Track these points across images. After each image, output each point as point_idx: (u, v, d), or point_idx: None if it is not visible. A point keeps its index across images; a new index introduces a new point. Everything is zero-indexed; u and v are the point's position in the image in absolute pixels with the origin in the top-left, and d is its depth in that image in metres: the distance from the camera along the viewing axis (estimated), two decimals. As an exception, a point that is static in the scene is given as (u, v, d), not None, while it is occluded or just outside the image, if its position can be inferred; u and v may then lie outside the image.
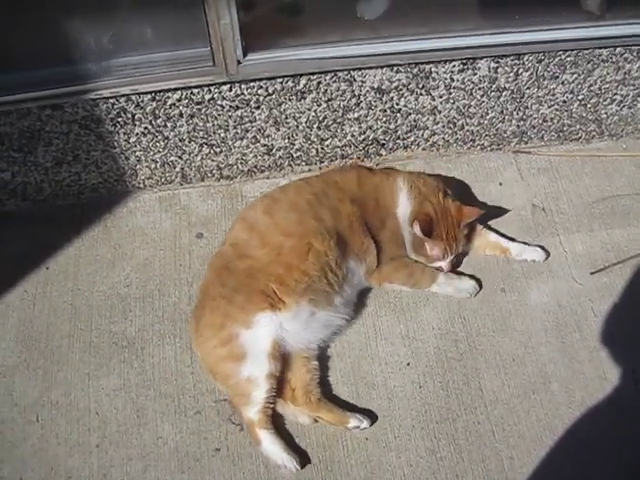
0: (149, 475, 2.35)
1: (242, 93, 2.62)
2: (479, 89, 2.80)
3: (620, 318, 2.65)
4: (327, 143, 2.91)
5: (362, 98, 2.74)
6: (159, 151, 2.80)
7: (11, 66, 2.51)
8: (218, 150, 2.83)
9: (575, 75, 2.82)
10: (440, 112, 2.87)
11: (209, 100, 2.62)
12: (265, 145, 2.85)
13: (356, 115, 2.81)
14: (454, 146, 3.06)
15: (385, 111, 2.81)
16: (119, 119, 2.63)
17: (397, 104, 2.79)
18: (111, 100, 2.56)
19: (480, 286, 2.69)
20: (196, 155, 2.84)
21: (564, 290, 2.71)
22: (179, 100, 2.60)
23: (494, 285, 2.73)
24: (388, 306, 2.67)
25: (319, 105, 2.73)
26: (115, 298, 2.69)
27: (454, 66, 2.69)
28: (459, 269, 2.76)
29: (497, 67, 2.72)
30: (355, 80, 2.66)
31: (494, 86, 2.80)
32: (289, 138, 2.84)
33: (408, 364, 2.56)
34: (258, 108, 2.69)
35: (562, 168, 3.05)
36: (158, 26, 2.53)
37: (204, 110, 2.65)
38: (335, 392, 2.50)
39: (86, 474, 2.35)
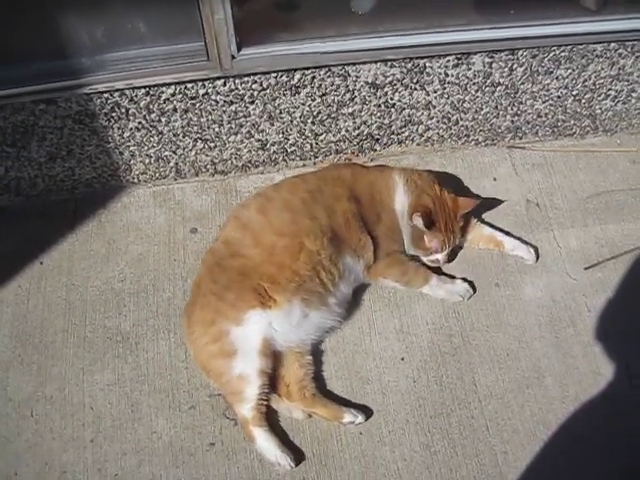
0: (143, 470, 2.35)
1: (236, 88, 2.61)
2: (473, 84, 2.80)
3: (614, 313, 2.66)
4: (321, 138, 2.91)
5: (356, 93, 2.73)
6: (153, 146, 2.79)
7: (5, 60, 2.49)
8: (212, 145, 2.83)
9: (569, 70, 2.82)
10: (434, 107, 2.87)
11: (203, 95, 2.62)
12: (259, 140, 2.85)
13: (350, 110, 2.81)
14: (448, 141, 3.06)
15: (379, 106, 2.81)
16: (113, 114, 2.63)
17: (391, 99, 2.79)
18: (105, 95, 2.56)
19: (473, 289, 2.68)
20: (190, 150, 2.84)
21: (558, 285, 2.72)
22: (173, 95, 2.60)
23: (488, 280, 2.73)
24: (382, 301, 2.68)
25: (313, 100, 2.72)
26: (109, 293, 2.69)
27: (448, 61, 2.68)
28: (452, 271, 2.76)
29: (491, 62, 2.72)
30: (349, 75, 2.65)
31: (488, 81, 2.80)
32: (283, 133, 2.84)
33: (402, 359, 2.56)
34: (252, 103, 2.68)
35: (556, 163, 3.06)
36: (152, 21, 2.52)
37: (198, 105, 2.65)
38: (329, 387, 2.50)
39: (80, 469, 2.35)
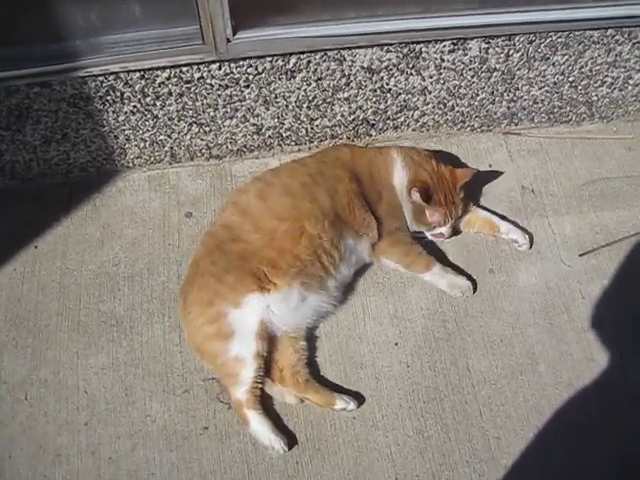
0: (137, 453, 2.35)
1: (231, 72, 2.60)
2: (469, 70, 2.79)
3: (608, 300, 2.66)
4: (317, 123, 2.90)
5: (352, 78, 2.73)
6: (148, 130, 2.78)
7: (-1, 43, 2.49)
8: (207, 129, 2.82)
9: (566, 57, 2.81)
10: (430, 92, 2.86)
11: (198, 79, 2.61)
12: (254, 124, 2.84)
13: (346, 95, 2.80)
14: (444, 127, 3.05)
15: (375, 91, 2.81)
16: (108, 97, 2.62)
17: (387, 84, 2.78)
18: (100, 78, 2.54)
19: (475, 288, 2.67)
20: (185, 134, 2.83)
21: (552, 272, 2.72)
22: (168, 78, 2.59)
23: (483, 266, 2.73)
24: (377, 286, 2.68)
25: (309, 84, 2.72)
26: (104, 277, 2.69)
27: (444, 46, 2.68)
28: (447, 255, 2.76)
29: (488, 48, 2.71)
30: (345, 59, 2.65)
31: (485, 67, 2.79)
32: (278, 117, 2.83)
33: (396, 344, 2.56)
34: (248, 87, 2.68)
35: (552, 150, 3.05)
36: (147, 3, 2.50)
37: (193, 89, 2.64)
38: (323, 372, 2.51)
39: (74, 452, 2.36)
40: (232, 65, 2.58)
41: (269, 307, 2.38)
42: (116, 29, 2.52)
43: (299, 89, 2.73)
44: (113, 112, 2.68)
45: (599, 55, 2.83)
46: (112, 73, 2.53)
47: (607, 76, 2.94)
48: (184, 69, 2.57)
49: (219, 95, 2.68)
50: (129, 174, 2.95)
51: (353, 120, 2.93)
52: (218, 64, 2.57)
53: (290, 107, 2.80)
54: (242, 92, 2.69)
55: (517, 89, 2.92)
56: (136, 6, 2.50)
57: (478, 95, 2.92)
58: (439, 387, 2.48)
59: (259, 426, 2.32)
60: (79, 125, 2.70)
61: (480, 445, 2.38)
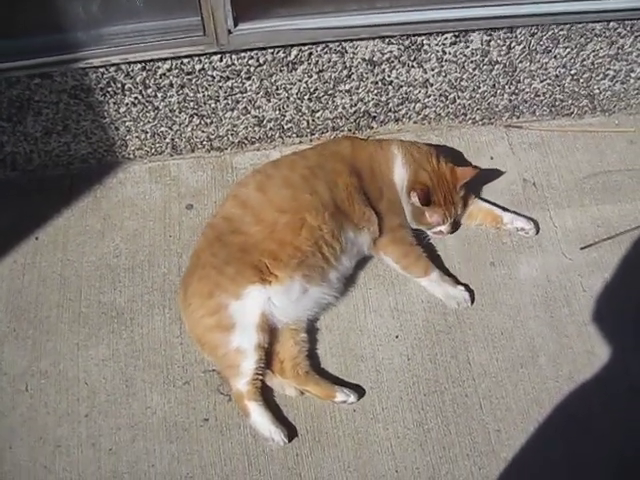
0: (137, 445, 2.36)
1: (233, 63, 2.60)
2: (471, 62, 2.78)
3: (609, 294, 2.66)
4: (318, 115, 2.89)
5: (353, 70, 2.72)
6: (149, 121, 2.78)
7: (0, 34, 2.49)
8: (208, 121, 2.82)
9: (568, 49, 2.80)
10: (432, 85, 2.86)
11: (199, 70, 2.60)
12: (256, 116, 2.84)
13: (347, 87, 2.79)
14: (445, 120, 3.05)
15: (376, 83, 2.80)
16: (109, 89, 2.61)
17: (389, 76, 2.78)
18: (101, 69, 2.54)
19: (472, 300, 2.64)
20: (186, 126, 2.83)
21: (554, 265, 2.72)
22: (169, 70, 2.58)
23: (484, 259, 2.73)
24: (377, 279, 2.68)
25: (310, 76, 2.71)
26: (104, 269, 2.69)
27: (446, 39, 2.67)
28: (448, 249, 2.76)
29: (489, 40, 2.70)
30: (347, 51, 2.64)
31: (486, 59, 2.78)
32: (280, 109, 2.83)
33: (397, 337, 2.56)
34: (249, 79, 2.67)
35: (554, 143, 3.05)
36: (149, -6, 2.51)
37: (194, 80, 2.64)
38: (323, 365, 2.51)
39: (75, 443, 2.36)
40: (233, 57, 2.57)
41: (270, 299, 2.38)
42: (117, 20, 2.51)
43: (300, 81, 2.72)
44: (114, 104, 2.68)
45: (601, 48, 2.82)
46: (113, 64, 2.52)
47: (609, 69, 2.93)
48: (185, 60, 2.56)
49: (220, 87, 2.68)
50: (130, 166, 2.95)
51: (354, 112, 2.92)
52: (219, 56, 2.56)
53: (291, 99, 2.79)
54: (243, 84, 2.69)
55: (519, 82, 2.91)
56: (137, -3, 2.51)
57: (480, 88, 2.91)
58: (439, 380, 2.48)
59: (259, 418, 2.33)
60: (80, 117, 2.70)
61: (480, 438, 2.38)
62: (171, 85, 2.64)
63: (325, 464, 2.33)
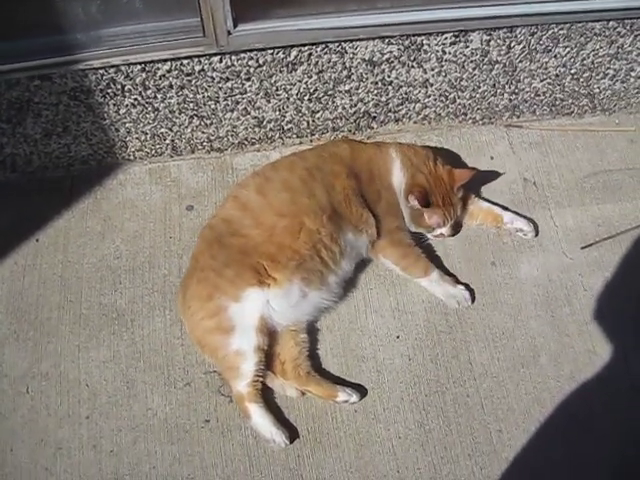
0: (139, 446, 2.36)
1: (232, 64, 2.60)
2: (471, 62, 2.78)
3: (610, 293, 2.66)
4: (318, 115, 2.89)
5: (353, 70, 2.72)
6: (149, 123, 2.78)
7: (-1, 36, 2.49)
8: (208, 122, 2.82)
9: (568, 49, 2.80)
10: (432, 85, 2.86)
11: (199, 71, 2.60)
12: (256, 117, 2.84)
13: (347, 87, 2.79)
14: (445, 119, 3.05)
15: (376, 83, 2.80)
16: (109, 90, 2.61)
17: (388, 76, 2.78)
18: (100, 71, 2.54)
19: (473, 300, 2.64)
20: (186, 127, 2.83)
21: (554, 264, 2.72)
22: (169, 71, 2.58)
23: (484, 258, 2.73)
24: (378, 279, 2.68)
25: (310, 77, 2.71)
26: (105, 270, 2.69)
27: (446, 38, 2.67)
28: (449, 249, 2.76)
29: (489, 40, 2.70)
30: (346, 52, 2.64)
31: (486, 59, 2.78)
32: (280, 110, 2.83)
33: (398, 337, 2.56)
34: (249, 80, 2.67)
35: (554, 142, 3.05)
36: (148, -4, 2.51)
37: (194, 81, 2.63)
38: (324, 365, 2.51)
39: (76, 445, 2.36)
40: (233, 58, 2.57)
41: (269, 303, 2.38)
42: (117, 22, 2.51)
43: (300, 82, 2.72)
44: (114, 105, 2.68)
45: (601, 47, 2.82)
46: (113, 66, 2.52)
47: (609, 68, 2.93)
48: (185, 62, 2.56)
49: (220, 88, 2.68)
50: (130, 167, 2.95)
51: (354, 113, 2.92)
52: (219, 57, 2.56)
53: (291, 100, 2.79)
54: (243, 85, 2.68)
55: (519, 81, 2.91)
56: (137, -2, 2.51)
57: (480, 87, 2.91)
58: (441, 380, 2.48)
59: (260, 419, 2.32)
60: (80, 118, 2.70)
61: (482, 438, 2.38)
62: (171, 86, 2.64)
63: (326, 465, 2.33)
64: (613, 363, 2.52)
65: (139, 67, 2.55)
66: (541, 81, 2.93)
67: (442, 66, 2.78)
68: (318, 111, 2.87)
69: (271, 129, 2.91)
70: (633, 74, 2.97)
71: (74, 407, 2.42)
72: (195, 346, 2.47)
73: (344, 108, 2.88)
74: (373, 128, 3.02)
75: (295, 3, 2.56)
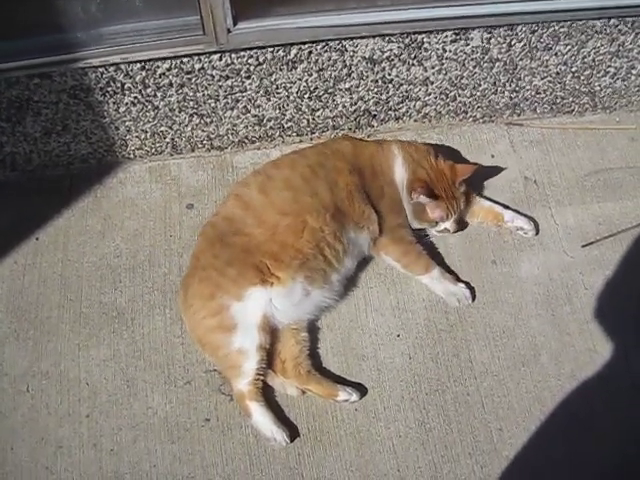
0: (139, 445, 2.36)
1: (232, 62, 2.59)
2: (472, 60, 2.78)
3: (611, 291, 2.66)
4: (318, 114, 2.89)
5: (353, 68, 2.71)
6: (149, 121, 2.78)
7: (-2, 34, 2.49)
8: (208, 120, 2.82)
9: (569, 46, 2.80)
10: (432, 83, 2.85)
11: (199, 69, 2.60)
12: (256, 115, 2.84)
13: (347, 85, 2.79)
14: (446, 118, 3.04)
15: (377, 81, 2.79)
16: (108, 88, 2.61)
17: (389, 74, 2.77)
18: (100, 69, 2.54)
19: (473, 298, 2.63)
20: (186, 125, 2.83)
21: (555, 263, 2.71)
22: (169, 69, 2.58)
23: (485, 257, 2.72)
24: (378, 277, 2.67)
25: (310, 75, 2.70)
26: (105, 269, 2.69)
27: (446, 36, 2.66)
28: (450, 247, 2.75)
29: (490, 38, 2.69)
30: (346, 50, 2.63)
31: (487, 57, 2.77)
32: (280, 108, 2.83)
33: (398, 335, 2.56)
34: (249, 78, 2.67)
35: (555, 141, 3.04)
36: (147, -6, 2.51)
37: (194, 80, 2.63)
38: (325, 364, 2.51)
39: (76, 444, 2.36)
40: (233, 56, 2.57)
41: (272, 301, 2.38)
42: (116, 20, 2.51)
43: (300, 80, 2.72)
44: (114, 103, 2.67)
45: (602, 45, 2.81)
46: (112, 64, 2.52)
47: (610, 66, 2.92)
48: (185, 60, 2.56)
49: (220, 86, 2.67)
50: (130, 165, 2.94)
51: (355, 111, 2.92)
52: (219, 55, 2.56)
53: (291, 98, 2.79)
54: (243, 83, 2.68)
55: (519, 79, 2.91)
56: (136, -4, 2.50)
57: (480, 85, 2.91)
58: (441, 379, 2.48)
59: (261, 418, 2.32)
60: (79, 116, 2.69)
61: (482, 437, 2.38)
62: (171, 84, 2.64)
63: (327, 463, 2.33)
64: (614, 362, 2.52)
65: (139, 65, 2.55)
66: (542, 79, 2.92)
67: (442, 64, 2.77)
68: (318, 109, 2.87)
69: (271, 127, 2.91)
70: (634, 72, 2.96)
71: (74, 406, 2.42)
72: (195, 345, 2.47)
73: (344, 106, 2.88)
74: (373, 126, 3.02)
75: (295, 1, 2.56)
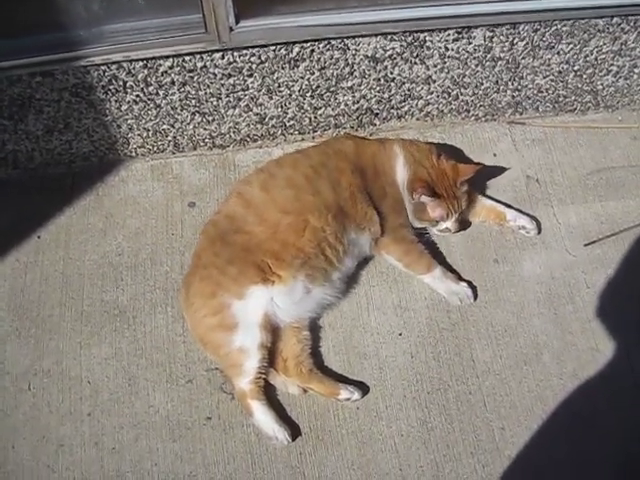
0: (140, 443, 2.36)
1: (234, 61, 2.59)
2: (474, 58, 2.77)
3: (613, 290, 2.65)
4: (320, 112, 2.89)
5: (356, 67, 2.71)
6: (151, 119, 2.77)
7: (0, 32, 2.47)
8: (210, 119, 2.81)
9: (571, 45, 2.79)
10: (434, 82, 2.85)
11: (201, 68, 2.59)
12: (258, 114, 2.83)
13: (349, 84, 2.78)
14: (448, 116, 3.04)
15: (379, 80, 2.79)
16: (110, 86, 2.61)
17: (391, 73, 2.77)
18: (102, 67, 2.53)
19: (475, 297, 2.63)
20: (188, 124, 2.82)
21: (557, 261, 2.71)
22: (171, 68, 2.58)
23: (487, 256, 2.72)
24: (380, 276, 2.67)
25: (312, 73, 2.70)
26: (107, 267, 2.68)
27: (449, 35, 2.66)
28: (451, 246, 2.75)
29: (492, 36, 2.69)
30: (349, 48, 2.63)
31: (489, 56, 2.77)
32: (282, 107, 2.82)
33: (400, 334, 2.56)
34: (251, 76, 2.66)
35: (557, 139, 3.04)
36: (150, -8, 2.51)
37: (196, 78, 2.63)
38: (326, 362, 2.51)
39: (78, 442, 2.36)
40: (235, 54, 2.57)
41: (273, 300, 2.38)
42: (118, 18, 2.51)
43: (302, 78, 2.71)
44: (116, 101, 2.67)
45: (604, 44, 2.81)
46: (114, 62, 2.52)
47: (612, 65, 2.92)
48: (187, 58, 2.55)
49: (222, 84, 2.67)
50: (132, 164, 2.94)
51: (357, 109, 2.91)
52: (221, 53, 2.56)
53: (293, 96, 2.79)
54: (245, 81, 2.68)
55: (522, 78, 2.90)
56: (138, -6, 2.50)
57: (482, 84, 2.90)
58: (443, 377, 2.48)
59: (263, 416, 2.32)
60: (81, 114, 2.69)
61: (484, 436, 2.37)
62: (173, 83, 2.63)
63: (329, 462, 2.33)
64: (616, 360, 2.52)
65: (141, 63, 2.54)
66: (544, 78, 2.92)
67: (445, 63, 2.77)
68: (320, 108, 2.87)
69: (273, 126, 2.91)
70: (636, 71, 2.96)
71: (76, 404, 2.42)
72: (197, 343, 2.46)
73: (346, 105, 2.87)
74: (375, 125, 3.01)
75: (297, -1, 2.56)
